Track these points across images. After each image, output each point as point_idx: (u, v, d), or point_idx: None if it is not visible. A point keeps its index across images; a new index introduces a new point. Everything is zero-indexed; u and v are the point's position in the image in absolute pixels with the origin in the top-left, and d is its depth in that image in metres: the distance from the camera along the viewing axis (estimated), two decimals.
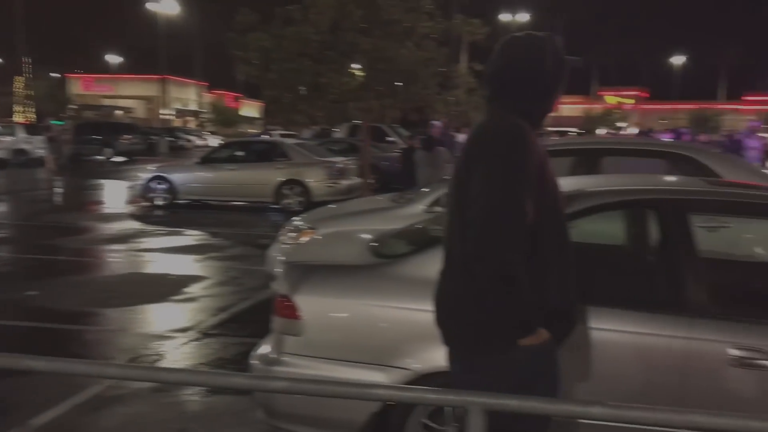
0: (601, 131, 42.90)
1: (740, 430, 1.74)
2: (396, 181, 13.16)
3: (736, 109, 57.62)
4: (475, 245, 2.18)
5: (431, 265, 3.30)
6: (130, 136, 33.92)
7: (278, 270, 3.91)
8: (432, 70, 11.61)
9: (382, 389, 2.06)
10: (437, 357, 3.15)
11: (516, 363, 2.22)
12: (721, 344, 2.94)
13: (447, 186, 5.76)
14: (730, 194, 3.53)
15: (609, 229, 4.19)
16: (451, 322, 2.39)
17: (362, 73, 12.15)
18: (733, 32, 54.66)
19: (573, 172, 5.85)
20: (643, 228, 3.85)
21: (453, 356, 2.42)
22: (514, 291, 2.17)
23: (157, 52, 54.61)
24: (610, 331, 3.03)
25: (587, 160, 5.89)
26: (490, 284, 2.19)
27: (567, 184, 3.88)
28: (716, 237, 4.68)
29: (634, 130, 41.07)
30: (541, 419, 2.27)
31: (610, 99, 58.26)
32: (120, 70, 68.60)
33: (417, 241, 3.73)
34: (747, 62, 59.16)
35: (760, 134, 30.42)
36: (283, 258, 4.16)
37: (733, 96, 60.94)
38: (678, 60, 54.85)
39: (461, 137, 20.18)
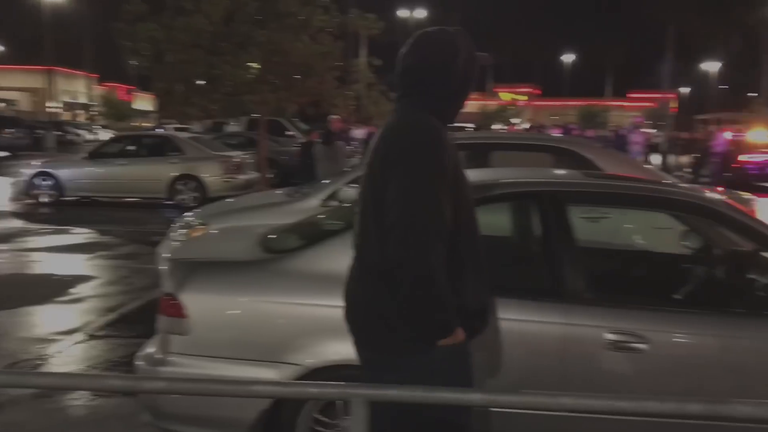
0: (496, 127, 44.09)
1: (606, 410, 1.83)
2: (296, 175, 13.07)
3: (622, 106, 60.57)
4: (396, 250, 2.17)
5: (322, 259, 3.30)
6: (12, 130, 32.19)
7: (164, 268, 3.79)
8: (328, 63, 11.58)
9: (261, 386, 2.03)
10: (329, 351, 3.16)
11: (435, 363, 2.24)
12: (597, 329, 3.08)
13: (345, 181, 5.64)
14: (606, 186, 3.68)
15: (492, 221, 4.32)
16: (368, 325, 2.37)
17: (257, 66, 11.97)
18: (619, 32, 57.50)
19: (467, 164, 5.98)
20: (525, 219, 3.97)
21: (370, 358, 2.39)
22: (435, 294, 2.18)
23: (42, 42, 51.79)
24: (498, 319, 3.12)
25: (476, 154, 6.04)
26: (411, 289, 2.18)
27: None
28: (597, 227, 4.92)
29: (527, 126, 42.44)
30: (461, 412, 2.32)
31: (505, 96, 59.95)
32: (1, 60, 64.71)
33: (308, 235, 3.71)
34: (632, 61, 62.30)
35: (643, 129, 32.15)
36: (169, 255, 4.04)
37: (619, 93, 64.02)
38: (568, 58, 57.17)
39: (360, 132, 20.28)
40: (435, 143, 2.23)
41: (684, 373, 3.08)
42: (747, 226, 3.24)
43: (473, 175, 4.08)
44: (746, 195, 6.45)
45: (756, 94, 49.66)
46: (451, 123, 2.41)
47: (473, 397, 1.89)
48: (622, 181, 3.93)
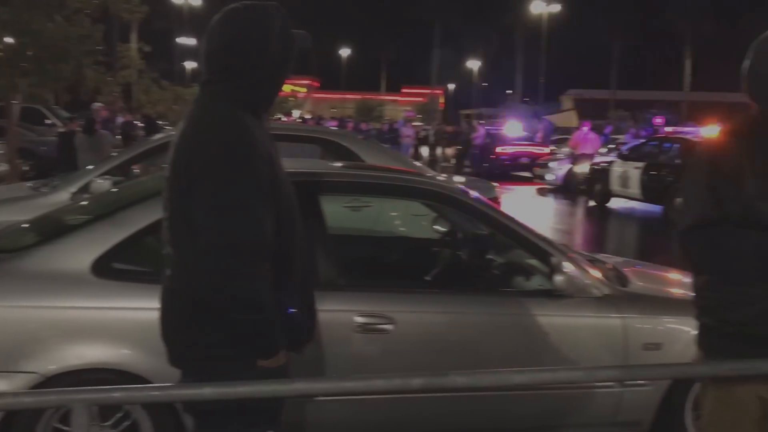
0: (276, 117, 44.07)
1: (334, 392, 1.88)
2: (56, 167, 12.04)
3: (396, 100, 63.45)
4: (213, 276, 1.94)
5: (57, 257, 3.06)
6: None
7: None
8: (87, 47, 10.75)
9: None
10: (70, 356, 2.94)
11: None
12: (347, 313, 3.17)
13: (98, 173, 5.21)
14: (357, 176, 3.81)
15: None
16: (181, 344, 2.13)
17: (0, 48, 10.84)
18: (392, 27, 60.14)
19: None
20: None
21: (183, 377, 2.17)
22: (261, 319, 1.98)
23: None
24: None
25: None
26: (234, 315, 1.97)
27: None
28: (360, 215, 5.09)
29: (308, 117, 42.98)
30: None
31: (286, 87, 59.70)
32: None
33: (44, 231, 3.42)
34: (404, 57, 65.50)
35: (414, 123, 33.98)
36: None
37: (394, 88, 67.00)
38: (345, 52, 58.69)
39: (124, 119, 19.22)
40: (245, 146, 1.97)
41: (430, 350, 3.28)
42: (478, 210, 3.53)
43: None
44: (491, 183, 7.06)
45: (510, 91, 54.63)
46: (266, 113, 2.17)
47: (240, 389, 1.83)
48: (374, 171, 4.10)
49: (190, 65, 57.41)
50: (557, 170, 18.85)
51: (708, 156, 2.25)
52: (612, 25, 48.70)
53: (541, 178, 19.41)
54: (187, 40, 51.63)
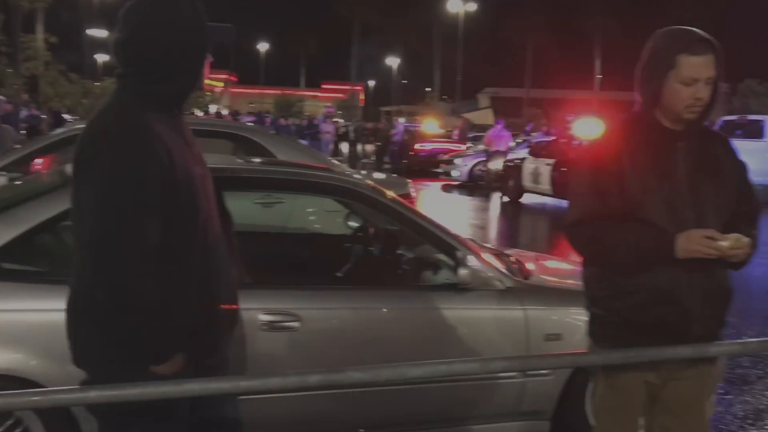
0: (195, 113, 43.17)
1: (231, 391, 1.85)
2: None
3: (316, 96, 63.11)
4: (92, 272, 1.93)
5: None
6: None
7: None
8: None
9: None
10: None
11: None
12: (252, 312, 3.13)
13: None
14: (267, 172, 3.76)
15: None
16: (78, 341, 2.09)
17: None
18: (312, 22, 59.68)
19: None
20: None
21: (84, 377, 2.10)
22: (139, 321, 1.95)
23: None
24: None
25: None
26: (113, 316, 1.95)
27: None
28: (271, 212, 5.03)
29: (225, 112, 42.25)
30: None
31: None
32: None
33: None
34: (325, 52, 65.23)
35: (335, 120, 33.93)
36: None
37: (314, 84, 66.58)
38: (263, 47, 57.85)
39: (29, 113, 18.40)
40: (137, 141, 1.92)
41: (338, 347, 3.27)
42: (385, 206, 3.54)
43: None
44: (405, 180, 7.11)
45: (429, 89, 55.26)
46: (178, 108, 2.10)
47: (91, 395, 1.78)
48: (282, 167, 4.06)
49: (102, 58, 55.48)
50: (462, 167, 19.33)
51: (591, 154, 2.34)
52: (526, 25, 49.92)
53: (447, 174, 19.80)
54: (99, 32, 49.88)
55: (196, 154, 2.16)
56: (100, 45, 53.21)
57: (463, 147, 22.54)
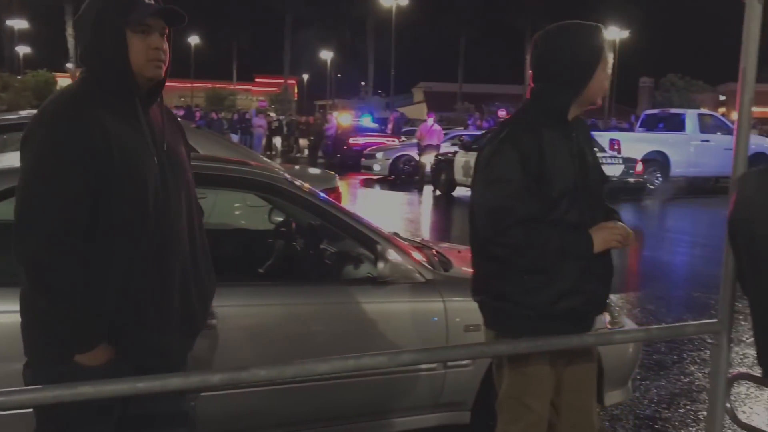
0: None
1: (158, 389, 1.78)
2: None
3: (249, 90, 62.29)
4: (15, 245, 1.93)
5: None
6: None
7: None
8: None
9: None
10: None
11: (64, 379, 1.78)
12: None
13: None
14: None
15: None
16: (23, 335, 2.07)
17: None
18: (244, 15, 58.89)
19: None
20: None
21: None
22: (56, 302, 1.94)
23: None
24: None
25: None
26: (32, 290, 1.98)
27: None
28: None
29: None
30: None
31: None
32: None
33: None
34: (258, 46, 64.44)
35: (269, 114, 33.54)
36: None
37: (247, 77, 65.66)
38: (193, 40, 56.70)
39: None
40: (66, 123, 1.93)
41: (258, 343, 3.21)
42: (304, 200, 3.50)
43: None
44: (331, 173, 7.06)
45: (364, 83, 55.26)
46: (122, 93, 2.01)
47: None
48: (201, 162, 3.94)
49: (23, 50, 53.36)
50: (383, 161, 19.25)
51: (516, 155, 2.33)
52: (458, 20, 50.45)
53: (369, 168, 19.59)
54: (19, 23, 47.96)
55: (162, 146, 2.09)
56: (22, 37, 51.27)
57: (396, 141, 22.63)
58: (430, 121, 18.25)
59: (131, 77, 2.01)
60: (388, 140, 22.85)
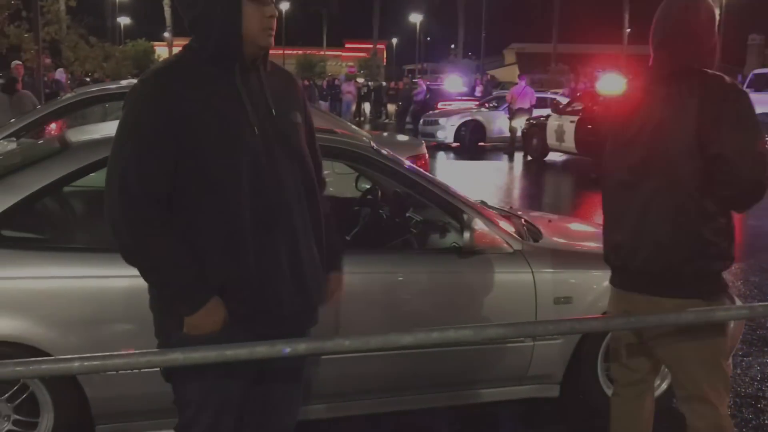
0: None
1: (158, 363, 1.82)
2: None
3: (339, 56, 62.54)
4: (106, 210, 1.99)
5: None
6: None
7: None
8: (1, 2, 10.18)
9: None
10: None
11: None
12: None
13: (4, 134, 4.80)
14: None
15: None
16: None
17: None
18: None
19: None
20: None
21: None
22: (145, 263, 2.01)
23: None
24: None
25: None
26: (124, 255, 2.02)
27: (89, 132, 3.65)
28: None
29: None
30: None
31: None
32: None
33: None
34: (348, 11, 64.48)
35: (358, 80, 33.59)
36: None
37: (337, 43, 65.91)
38: (284, 6, 57.24)
39: (50, 77, 18.43)
40: (149, 93, 1.98)
41: (341, 311, 3.19)
42: (387, 167, 3.44)
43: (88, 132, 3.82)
44: (419, 140, 6.98)
45: (454, 46, 54.43)
46: (223, 61, 2.00)
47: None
48: None
49: (124, 21, 55.43)
50: (447, 127, 17.71)
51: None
52: None
53: (431, 136, 17.63)
54: None
55: (268, 114, 2.07)
56: (122, 8, 53.21)
57: (486, 105, 22.20)
58: (522, 83, 17.78)
59: (239, 46, 1.99)
60: (477, 104, 22.45)
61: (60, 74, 19.63)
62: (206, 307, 1.99)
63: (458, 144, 17.84)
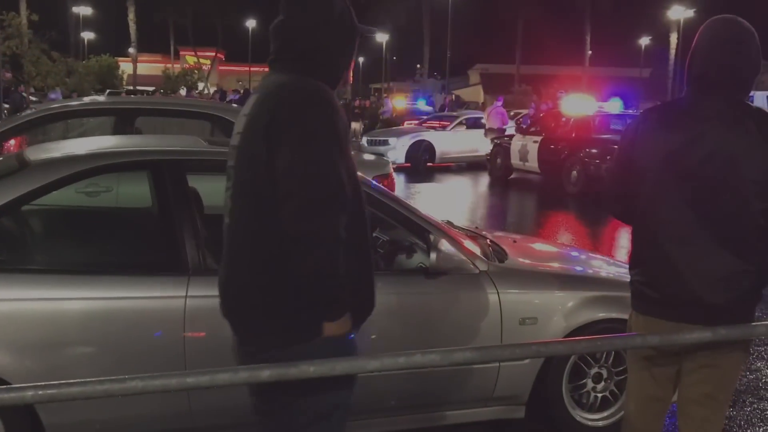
0: (182, 91, 42.84)
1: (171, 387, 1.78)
2: None
3: None
4: (294, 223, 1.94)
5: None
6: None
7: None
8: None
9: None
10: None
11: (316, 354, 1.93)
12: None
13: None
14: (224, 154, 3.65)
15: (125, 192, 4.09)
16: (243, 315, 2.12)
17: None
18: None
19: (113, 132, 5.66)
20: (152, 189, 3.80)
21: (246, 351, 2.12)
22: (337, 270, 1.97)
23: None
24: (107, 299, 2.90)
25: (124, 120, 5.71)
26: (311, 264, 1.95)
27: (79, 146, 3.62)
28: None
29: (213, 90, 42.00)
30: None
31: (191, 59, 58.31)
32: None
33: None
34: None
35: None
36: None
37: None
38: (251, 24, 57.24)
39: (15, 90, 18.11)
40: (329, 106, 2.03)
41: None
42: None
43: (93, 143, 3.80)
44: (386, 159, 7.00)
45: (420, 65, 54.91)
46: (335, 87, 2.16)
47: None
48: None
49: (87, 36, 54.79)
50: (398, 146, 16.61)
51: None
52: (516, 0, 49.52)
53: (381, 155, 14.84)
54: (83, 10, 49.17)
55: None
56: (86, 23, 52.61)
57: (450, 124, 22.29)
58: (498, 103, 17.93)
59: (340, 79, 2.18)
60: (444, 123, 22.56)
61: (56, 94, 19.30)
62: (343, 319, 2.06)
63: (409, 164, 16.84)
